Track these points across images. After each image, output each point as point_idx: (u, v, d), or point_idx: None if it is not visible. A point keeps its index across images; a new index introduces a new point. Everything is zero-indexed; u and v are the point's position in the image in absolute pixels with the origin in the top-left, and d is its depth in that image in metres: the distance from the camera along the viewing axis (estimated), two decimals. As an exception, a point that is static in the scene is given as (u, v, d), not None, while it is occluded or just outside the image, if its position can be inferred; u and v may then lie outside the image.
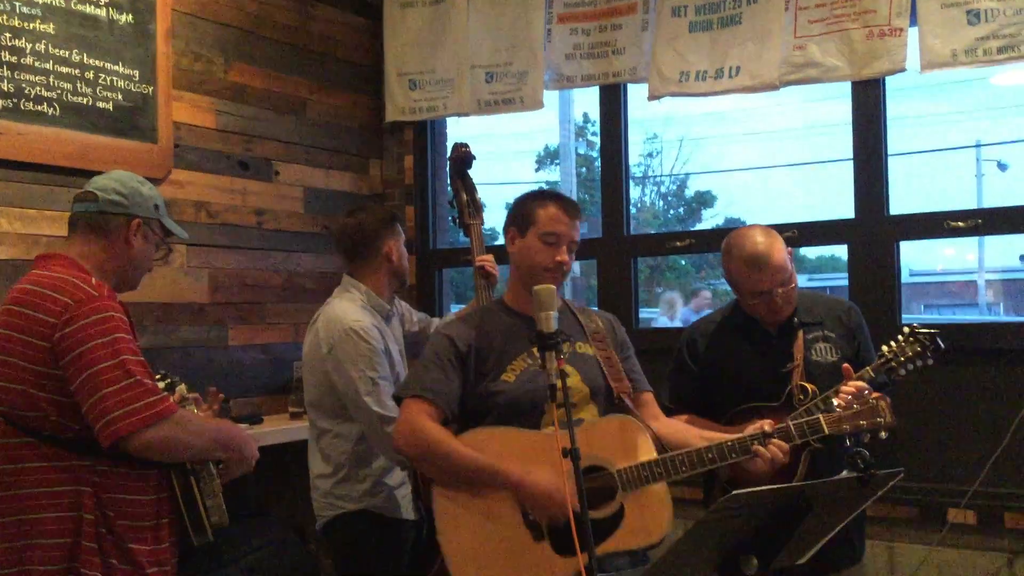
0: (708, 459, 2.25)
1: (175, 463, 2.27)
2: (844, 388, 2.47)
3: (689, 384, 2.77)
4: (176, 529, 2.30)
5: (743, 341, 2.73)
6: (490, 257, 3.15)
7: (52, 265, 2.28)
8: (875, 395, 2.31)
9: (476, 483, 2.25)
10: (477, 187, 3.29)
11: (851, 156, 3.62)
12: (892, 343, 2.55)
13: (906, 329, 2.56)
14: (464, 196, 3.28)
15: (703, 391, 2.75)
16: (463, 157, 3.30)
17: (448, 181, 3.39)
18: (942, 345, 2.52)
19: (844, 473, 2.07)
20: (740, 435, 2.28)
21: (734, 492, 1.72)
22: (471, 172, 3.32)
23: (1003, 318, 15.51)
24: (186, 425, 2.24)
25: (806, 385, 2.59)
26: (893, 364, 2.52)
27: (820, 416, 2.25)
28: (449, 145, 3.69)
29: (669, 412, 2.69)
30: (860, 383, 2.46)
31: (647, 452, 2.29)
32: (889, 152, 3.57)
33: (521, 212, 2.46)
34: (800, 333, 2.68)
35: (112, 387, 2.12)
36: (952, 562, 3.23)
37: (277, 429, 3.77)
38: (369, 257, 3.13)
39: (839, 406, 2.40)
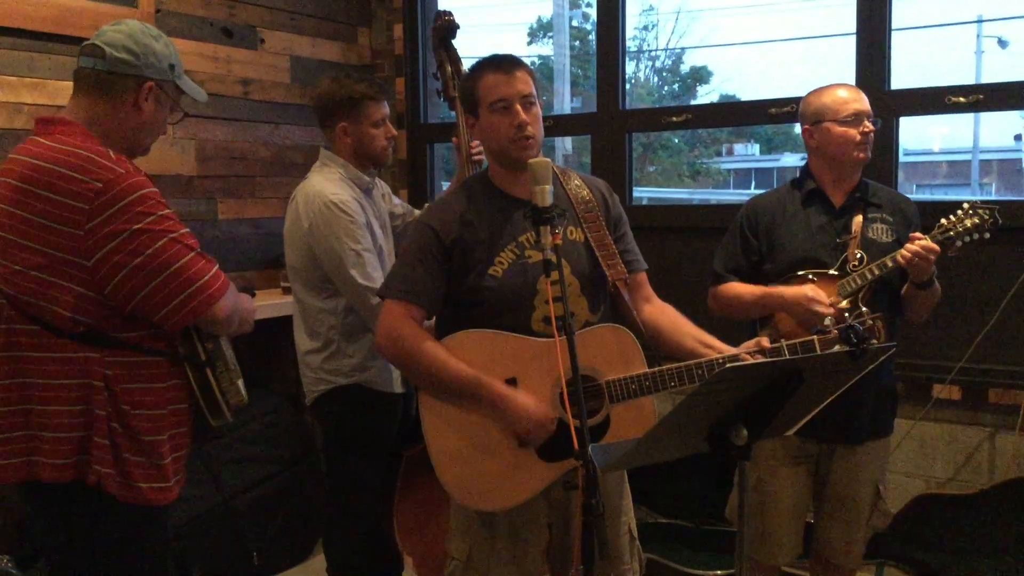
0: (698, 375, 2.20)
1: (190, 356, 2.17)
2: (909, 246, 2.56)
3: (743, 254, 2.82)
4: (192, 412, 2.22)
5: (805, 212, 2.78)
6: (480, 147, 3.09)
7: (57, 133, 2.09)
8: (872, 316, 2.29)
9: (459, 396, 2.20)
10: (466, 61, 3.19)
11: (854, 30, 3.52)
12: (951, 215, 2.63)
13: (966, 203, 2.64)
14: (449, 68, 3.17)
15: (758, 261, 2.81)
16: (447, 26, 3.18)
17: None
18: (1000, 220, 2.60)
19: (837, 347, 2.09)
20: (732, 351, 2.24)
21: (727, 366, 1.73)
22: (455, 43, 3.21)
23: (995, 197, 15.53)
24: (234, 288, 2.20)
25: (862, 254, 2.67)
26: (951, 234, 2.60)
27: (815, 337, 2.24)
28: (440, 14, 3.58)
29: (719, 279, 2.82)
30: (928, 242, 2.56)
31: (638, 363, 2.26)
32: (892, 26, 3.48)
33: (467, 97, 2.34)
34: (862, 210, 2.75)
35: (179, 262, 2.03)
36: (935, 436, 3.30)
37: (270, 303, 3.77)
38: (330, 134, 3.06)
39: (902, 258, 2.55)
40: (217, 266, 2.13)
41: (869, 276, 2.62)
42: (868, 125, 2.69)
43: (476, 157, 3.05)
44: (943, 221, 2.63)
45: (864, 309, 2.51)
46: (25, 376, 2.04)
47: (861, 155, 2.71)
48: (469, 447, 2.22)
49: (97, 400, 2.04)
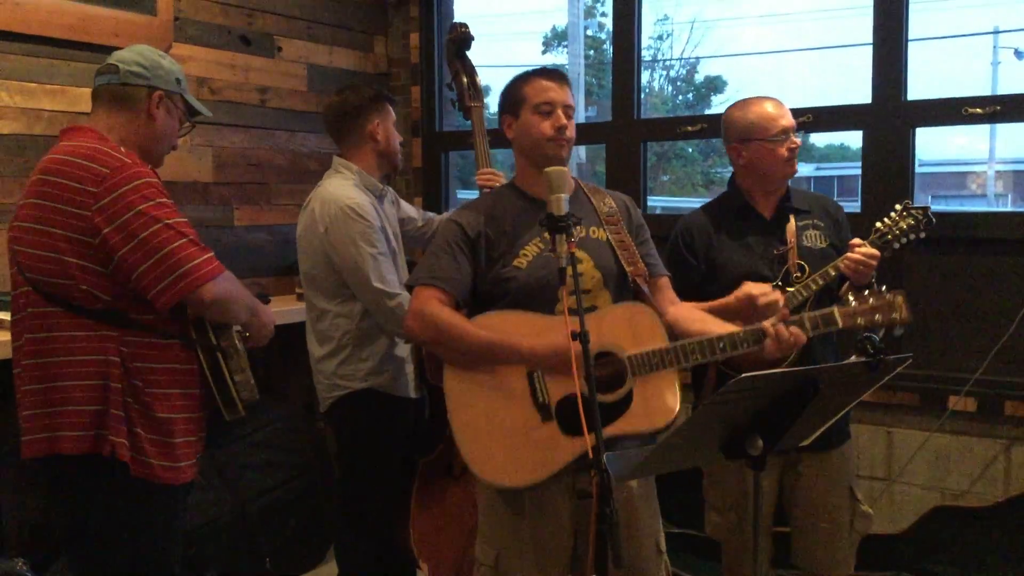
0: (719, 348, 2.23)
1: (202, 340, 2.30)
2: (851, 255, 2.58)
3: (687, 276, 2.76)
4: (206, 403, 2.34)
5: (738, 227, 2.76)
6: (498, 176, 3.10)
7: (78, 137, 2.28)
8: (893, 292, 2.31)
9: (488, 360, 2.25)
10: (481, 69, 3.22)
11: (870, 40, 3.52)
12: (886, 218, 2.67)
13: (898, 206, 2.69)
14: (464, 78, 3.20)
15: (701, 281, 2.76)
16: (462, 37, 3.20)
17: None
18: (933, 219, 2.64)
19: (853, 358, 2.08)
20: (753, 326, 2.26)
21: (745, 375, 1.73)
22: (470, 54, 3.23)
23: (1011, 208, 15.43)
24: (235, 281, 2.31)
25: (803, 263, 2.67)
26: (888, 237, 2.64)
27: (835, 309, 2.25)
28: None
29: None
30: (870, 248, 2.58)
31: (659, 339, 2.28)
32: (909, 37, 3.47)
33: (510, 97, 2.42)
34: (792, 218, 2.75)
35: (170, 246, 2.17)
36: (950, 448, 3.28)
37: (285, 309, 3.78)
38: (355, 136, 3.08)
39: (846, 266, 2.57)
40: (211, 254, 2.26)
41: (814, 287, 2.62)
42: (795, 140, 2.71)
43: (486, 189, 3.03)
44: (879, 224, 2.66)
45: (829, 298, 2.49)
46: (50, 356, 2.21)
47: (791, 170, 2.73)
48: (493, 422, 2.25)
49: (113, 374, 2.20)
